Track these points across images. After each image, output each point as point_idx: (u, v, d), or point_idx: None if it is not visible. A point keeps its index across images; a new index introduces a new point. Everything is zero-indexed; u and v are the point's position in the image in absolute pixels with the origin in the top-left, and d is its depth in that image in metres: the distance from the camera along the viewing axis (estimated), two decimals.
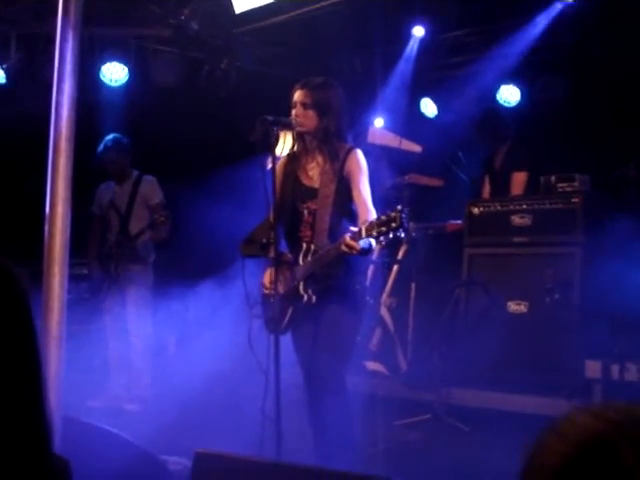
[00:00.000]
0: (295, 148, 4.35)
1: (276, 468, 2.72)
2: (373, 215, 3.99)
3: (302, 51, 8.06)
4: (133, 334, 6.83)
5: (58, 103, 3.64)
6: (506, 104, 8.12)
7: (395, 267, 6.86)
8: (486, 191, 7.20)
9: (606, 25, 6.76)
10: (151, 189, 6.95)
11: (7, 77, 7.51)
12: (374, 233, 3.69)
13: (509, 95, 8.11)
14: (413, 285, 6.76)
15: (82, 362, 6.09)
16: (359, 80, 8.48)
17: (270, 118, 4.04)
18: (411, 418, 6.02)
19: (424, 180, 7.31)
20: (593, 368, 5.59)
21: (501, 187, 6.96)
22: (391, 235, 3.65)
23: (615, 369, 5.50)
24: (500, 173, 7.04)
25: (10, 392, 1.08)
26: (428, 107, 8.68)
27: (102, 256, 6.91)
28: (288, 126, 4.20)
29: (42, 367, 1.16)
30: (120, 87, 7.89)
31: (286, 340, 4.23)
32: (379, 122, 8.52)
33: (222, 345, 5.84)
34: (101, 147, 6.93)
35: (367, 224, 3.75)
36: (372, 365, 6.58)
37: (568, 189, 6.20)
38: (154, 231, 6.75)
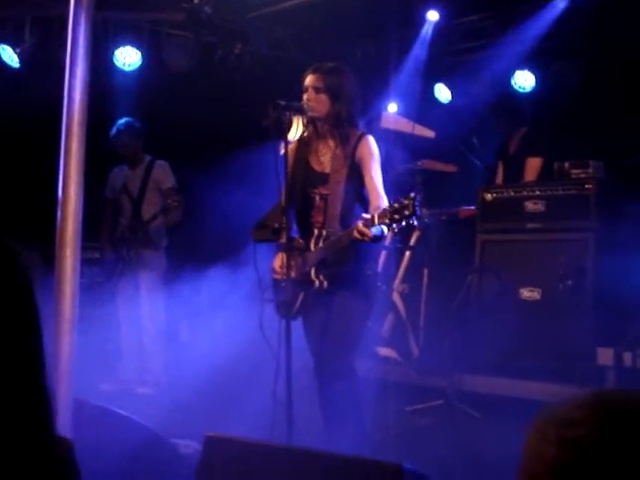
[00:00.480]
0: (306, 133, 4.34)
1: (287, 452, 2.72)
2: (384, 201, 3.99)
3: (316, 35, 8.04)
4: (145, 318, 6.86)
5: (71, 87, 3.64)
6: (521, 89, 8.06)
7: (407, 253, 6.85)
8: (499, 177, 7.16)
9: (621, 11, 6.70)
10: (163, 174, 6.96)
11: (21, 61, 7.51)
12: (386, 220, 3.68)
13: (524, 80, 8.05)
14: (425, 271, 6.74)
15: (94, 345, 6.13)
16: (373, 65, 8.44)
17: (282, 103, 4.03)
18: (423, 404, 6.03)
19: (437, 166, 7.27)
20: (605, 355, 5.58)
21: (515, 173, 6.92)
22: (404, 223, 3.65)
23: (628, 356, 5.48)
24: (514, 158, 7.00)
25: (11, 374, 1.09)
26: (442, 92, 8.63)
27: (115, 240, 6.93)
28: (300, 111, 4.18)
29: (43, 349, 1.15)
30: (133, 71, 7.88)
31: (297, 325, 4.24)
32: (392, 107, 8.49)
33: (233, 329, 5.85)
34: (114, 131, 6.94)
35: (380, 211, 3.74)
36: (384, 351, 6.58)
37: (582, 175, 6.16)
38: (167, 216, 6.77)
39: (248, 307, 4.65)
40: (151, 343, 6.89)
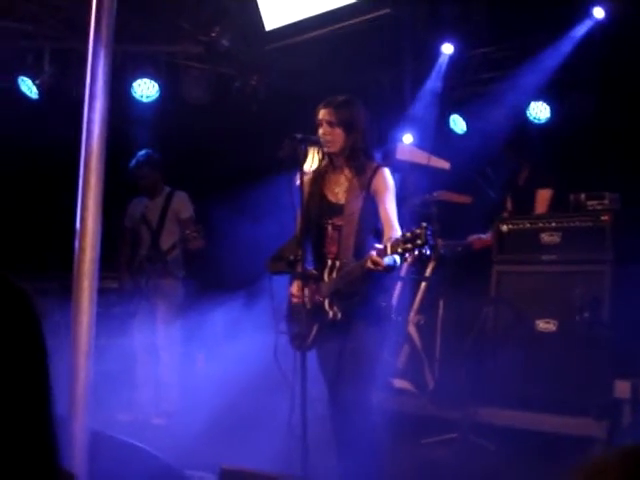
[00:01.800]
0: (322, 165, 4.37)
1: None
2: (398, 233, 4.01)
3: (331, 68, 8.09)
4: (162, 348, 6.88)
5: (90, 120, 3.68)
6: (536, 121, 8.09)
7: (423, 284, 6.84)
8: (509, 209, 7.16)
9: (637, 42, 6.72)
10: (182, 204, 7.02)
11: (40, 92, 7.61)
12: (399, 250, 3.70)
13: (539, 112, 8.08)
14: (441, 302, 6.72)
15: (111, 375, 6.14)
16: (388, 96, 8.50)
17: (299, 136, 4.07)
18: (438, 436, 5.99)
19: (452, 197, 7.29)
20: (622, 388, 5.53)
21: (524, 205, 6.92)
22: (416, 252, 3.67)
23: None
24: (524, 190, 7.00)
25: (19, 409, 1.10)
26: (457, 123, 8.67)
27: (133, 270, 6.97)
28: (317, 144, 4.22)
29: (51, 386, 1.18)
30: (151, 103, 7.97)
31: (311, 354, 4.24)
32: (408, 139, 8.53)
33: (249, 360, 5.85)
34: (133, 162, 7.00)
35: (392, 241, 3.76)
36: (399, 383, 6.56)
37: (598, 207, 6.15)
38: (186, 245, 6.79)
39: (263, 337, 4.65)
40: (167, 373, 6.90)
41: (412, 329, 6.75)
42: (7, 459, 1.07)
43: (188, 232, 6.67)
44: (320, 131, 4.22)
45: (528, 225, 6.42)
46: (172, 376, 6.94)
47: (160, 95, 7.94)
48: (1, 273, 1.16)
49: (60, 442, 1.14)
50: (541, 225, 6.33)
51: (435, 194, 7.10)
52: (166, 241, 6.89)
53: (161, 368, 6.90)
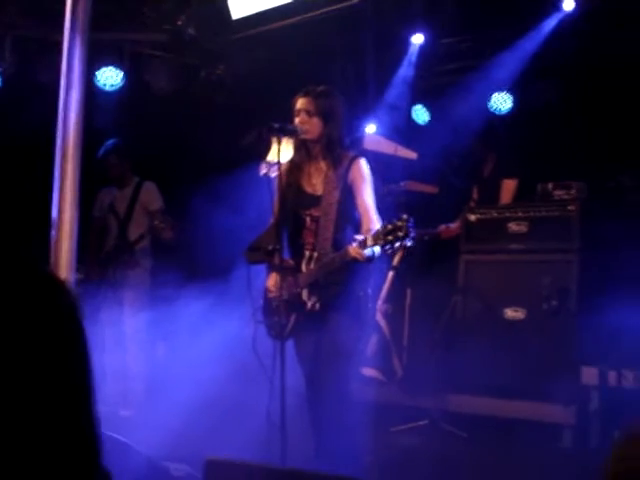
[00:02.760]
0: (297, 156, 4.37)
1: (289, 476, 2.73)
2: (377, 224, 4.02)
3: (297, 57, 8.07)
4: (129, 339, 6.83)
5: (66, 109, 3.65)
6: (497, 111, 8.14)
7: (390, 273, 6.88)
8: (474, 199, 7.23)
9: (602, 32, 6.80)
10: (151, 195, 6.97)
11: (1, 81, 7.48)
12: (380, 242, 3.72)
13: (501, 103, 8.14)
14: (409, 291, 6.77)
15: None
16: (352, 86, 8.50)
17: (276, 125, 4.06)
18: (407, 424, 6.04)
19: (419, 187, 7.33)
20: (590, 375, 5.63)
21: (490, 195, 6.99)
22: (397, 244, 3.68)
23: (612, 375, 5.53)
24: (489, 181, 7.07)
25: (64, 408, 1.10)
26: (420, 114, 8.70)
27: (100, 261, 6.91)
28: (294, 133, 4.22)
29: (91, 377, 1.17)
30: (115, 92, 7.87)
31: (289, 345, 4.25)
32: (371, 128, 8.54)
33: (225, 350, 5.83)
34: (101, 151, 6.93)
35: (373, 233, 3.78)
36: (368, 371, 6.59)
37: (565, 196, 6.24)
38: (157, 235, 6.75)
39: (240, 327, 4.65)
40: (134, 364, 6.85)
41: (380, 318, 6.79)
42: (47, 457, 1.06)
43: (157, 223, 6.62)
44: (297, 120, 4.22)
45: (495, 214, 6.49)
46: (140, 367, 6.89)
47: (124, 84, 7.84)
48: (32, 260, 1.15)
49: (100, 439, 1.13)
50: (508, 215, 6.41)
51: (402, 184, 7.13)
52: (134, 232, 6.84)
53: (128, 359, 6.85)
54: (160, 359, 7.65)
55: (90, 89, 7.66)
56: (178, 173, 8.01)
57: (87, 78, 7.43)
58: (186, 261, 7.24)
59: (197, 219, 6.89)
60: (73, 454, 1.10)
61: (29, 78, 7.36)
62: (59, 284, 1.15)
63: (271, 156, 4.34)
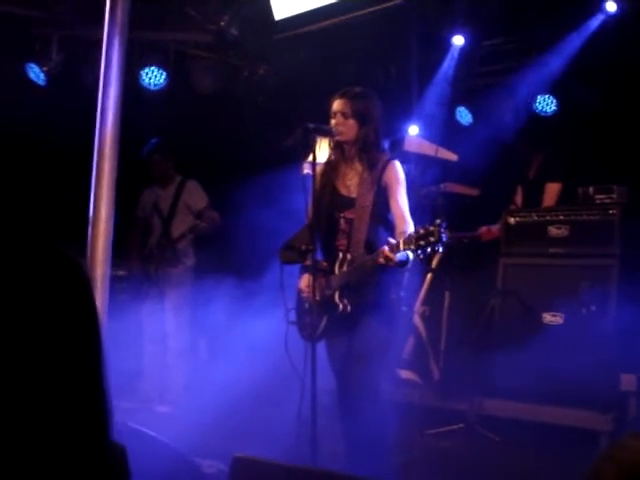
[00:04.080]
0: (333, 157, 4.38)
1: (314, 475, 2.73)
2: (410, 227, 4.02)
3: (339, 58, 8.08)
4: (170, 336, 6.90)
5: (104, 108, 3.70)
6: (543, 113, 8.06)
7: (429, 275, 6.85)
8: (518, 201, 7.17)
9: None
10: (195, 194, 7.06)
11: (48, 80, 7.59)
12: (412, 246, 3.72)
13: (546, 105, 8.06)
14: (447, 294, 6.74)
15: (117, 363, 6.14)
16: (395, 88, 8.48)
17: (312, 125, 4.07)
18: (443, 427, 6.02)
19: (460, 189, 7.29)
20: (628, 381, 5.55)
21: (534, 198, 6.93)
22: (429, 249, 3.68)
23: None
24: (534, 183, 7.01)
25: (74, 382, 1.12)
26: (464, 116, 8.65)
27: (143, 258, 7.00)
28: (329, 134, 4.23)
29: (103, 355, 1.19)
30: (159, 91, 7.94)
31: (321, 345, 4.26)
32: (414, 130, 8.51)
33: (256, 350, 5.87)
34: (145, 150, 7.03)
35: (405, 237, 3.77)
36: (405, 374, 6.57)
37: (606, 200, 6.15)
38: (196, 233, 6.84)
39: (272, 328, 4.66)
40: (174, 361, 6.92)
41: (418, 320, 6.76)
42: (58, 432, 1.08)
43: (198, 222, 6.73)
44: (333, 121, 4.23)
45: (536, 218, 6.43)
46: (179, 364, 6.96)
47: (168, 84, 7.91)
48: (53, 243, 1.17)
49: (111, 414, 1.16)
50: (549, 218, 6.34)
51: (442, 186, 7.10)
52: (177, 230, 6.94)
53: (168, 356, 6.93)
54: (201, 356, 7.72)
55: (134, 88, 7.77)
56: (220, 172, 8.07)
57: (132, 77, 7.58)
58: (227, 259, 7.30)
59: (238, 218, 6.94)
60: (84, 426, 1.12)
61: (74, 78, 7.46)
62: (72, 262, 1.18)
63: (318, 157, 4.35)
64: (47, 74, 7.57)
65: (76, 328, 1.14)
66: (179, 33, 7.80)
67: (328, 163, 4.38)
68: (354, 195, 4.25)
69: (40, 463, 1.06)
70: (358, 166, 4.28)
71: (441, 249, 3.70)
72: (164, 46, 7.88)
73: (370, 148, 4.23)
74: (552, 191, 6.82)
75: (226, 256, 7.36)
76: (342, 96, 4.26)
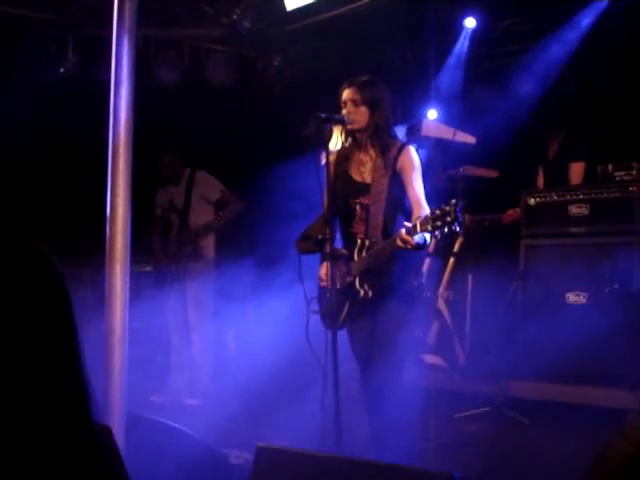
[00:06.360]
0: (346, 144, 4.39)
1: (337, 463, 2.75)
2: (426, 211, 4.01)
3: (354, 45, 8.06)
4: (194, 330, 6.96)
5: (116, 107, 3.72)
6: (561, 92, 7.99)
7: (452, 259, 6.83)
8: (540, 182, 7.11)
9: None
10: (208, 185, 7.10)
11: (64, 80, 7.65)
12: (429, 227, 3.71)
13: (563, 83, 7.99)
14: (470, 277, 6.73)
15: (144, 358, 6.21)
16: (412, 72, 8.46)
17: (323, 115, 4.08)
18: (470, 411, 6.02)
19: (479, 171, 7.25)
20: None
21: (556, 177, 6.87)
22: (446, 229, 3.67)
23: None
24: (555, 163, 6.95)
25: (50, 364, 1.13)
26: (481, 98, 8.59)
27: (166, 253, 7.07)
28: (341, 123, 4.24)
29: (78, 344, 1.19)
30: (174, 87, 7.97)
31: (343, 333, 4.28)
32: (432, 114, 8.48)
33: (280, 340, 5.90)
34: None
35: (422, 219, 3.77)
36: (430, 358, 6.56)
37: (626, 177, 6.10)
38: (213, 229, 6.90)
39: (294, 317, 4.69)
40: (200, 354, 6.98)
41: (442, 304, 6.75)
42: (37, 416, 1.09)
43: (216, 217, 6.80)
44: (344, 110, 4.23)
45: (556, 197, 6.39)
46: (205, 357, 7.02)
47: (183, 79, 7.95)
48: (20, 230, 1.16)
49: (93, 396, 1.17)
50: (569, 197, 6.31)
51: (461, 169, 7.06)
52: (195, 223, 6.99)
53: (194, 349, 6.98)
54: (229, 348, 7.78)
55: (150, 84, 7.81)
56: (236, 164, 8.10)
57: (147, 73, 7.61)
58: (249, 252, 7.33)
59: (258, 210, 6.97)
60: (63, 412, 1.13)
61: (90, 77, 7.51)
62: (41, 251, 1.18)
63: (332, 146, 4.36)
64: (64, 75, 7.63)
65: (43, 313, 1.13)
66: (194, 28, 7.82)
67: (341, 151, 4.39)
68: (368, 181, 4.26)
69: (22, 447, 1.07)
70: (371, 152, 4.29)
71: (458, 228, 3.69)
72: (179, 42, 7.91)
73: (382, 134, 4.24)
74: (577, 170, 6.76)
75: (249, 249, 7.40)
76: (351, 85, 4.27)
